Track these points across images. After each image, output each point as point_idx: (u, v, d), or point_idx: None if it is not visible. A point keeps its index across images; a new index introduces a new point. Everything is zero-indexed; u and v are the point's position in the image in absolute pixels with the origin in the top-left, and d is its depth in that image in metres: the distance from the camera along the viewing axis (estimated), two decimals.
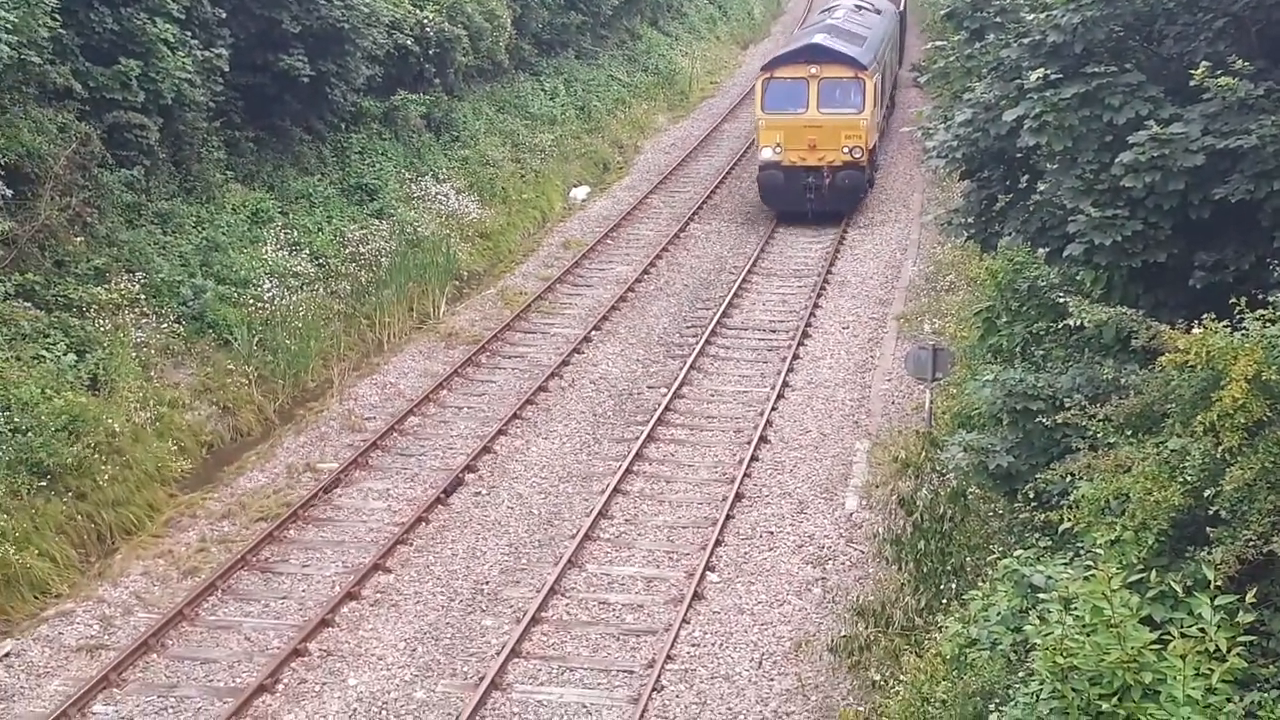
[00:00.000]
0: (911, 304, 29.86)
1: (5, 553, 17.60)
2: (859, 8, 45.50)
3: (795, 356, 26.98)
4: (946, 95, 19.80)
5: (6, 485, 18.53)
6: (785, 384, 25.62)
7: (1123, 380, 12.20)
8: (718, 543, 19.50)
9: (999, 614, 11.29)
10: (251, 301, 25.97)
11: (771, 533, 19.98)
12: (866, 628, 16.38)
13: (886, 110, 45.33)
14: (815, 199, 36.15)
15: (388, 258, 30.25)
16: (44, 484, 19.08)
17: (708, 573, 18.70)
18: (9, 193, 21.56)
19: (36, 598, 17.91)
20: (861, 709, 14.59)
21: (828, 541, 19.64)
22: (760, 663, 16.66)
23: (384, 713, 15.55)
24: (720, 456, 22.78)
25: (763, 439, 23.17)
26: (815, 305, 30.19)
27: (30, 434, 19.37)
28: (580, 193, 40.27)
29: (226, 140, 28.70)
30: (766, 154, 36.35)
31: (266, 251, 27.69)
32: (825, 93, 35.96)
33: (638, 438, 23.09)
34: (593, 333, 28.66)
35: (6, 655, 16.43)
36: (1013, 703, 10.31)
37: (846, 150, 35.94)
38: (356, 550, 19.34)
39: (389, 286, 29.28)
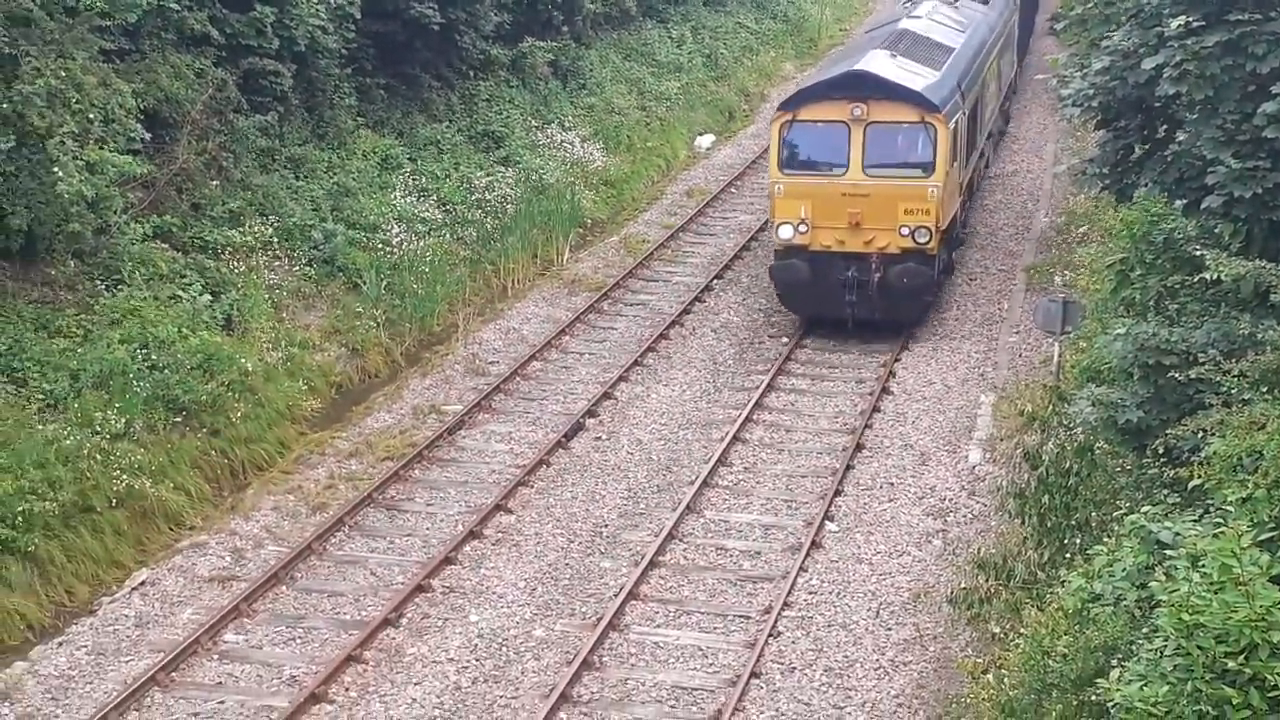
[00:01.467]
0: (1042, 256, 29.33)
1: (142, 485, 18.15)
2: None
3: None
4: (1084, 43, 19.39)
5: (144, 420, 19.10)
6: (910, 336, 25.36)
7: (1260, 336, 11.91)
8: (837, 493, 19.45)
9: (1124, 570, 11.13)
10: (380, 246, 26.33)
11: (892, 484, 19.87)
12: (987, 580, 16.22)
13: (1003, 108, 36.30)
14: (859, 302, 24.54)
15: (513, 205, 30.45)
16: (179, 420, 19.64)
17: (826, 522, 18.67)
18: (148, 136, 22.06)
19: (171, 529, 18.48)
20: (980, 661, 14.48)
21: (949, 494, 19.49)
22: (878, 612, 16.61)
23: (504, 649, 15.80)
24: (841, 406, 22.67)
25: (885, 390, 23.00)
26: None
27: (167, 371, 19.92)
28: (705, 141, 40.10)
29: (357, 87, 29.03)
30: (785, 233, 24.83)
31: (395, 197, 28.02)
32: (875, 144, 24.72)
33: (758, 386, 23.06)
34: (714, 281, 28.60)
35: (142, 584, 16.95)
36: (1136, 659, 10.17)
37: (907, 231, 24.36)
38: (479, 491, 19.60)
39: (514, 233, 29.48)
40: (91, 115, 20.42)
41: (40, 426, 18.09)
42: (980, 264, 29.47)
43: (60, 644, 15.78)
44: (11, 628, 15.98)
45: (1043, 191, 34.46)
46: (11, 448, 17.36)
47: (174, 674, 15.11)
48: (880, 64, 25.91)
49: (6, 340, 18.99)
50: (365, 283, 25.29)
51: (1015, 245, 30.66)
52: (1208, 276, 12.44)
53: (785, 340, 25.31)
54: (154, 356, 20.01)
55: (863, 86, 24.61)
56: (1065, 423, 18.03)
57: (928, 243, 24.35)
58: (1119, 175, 15.95)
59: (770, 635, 16.00)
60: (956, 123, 25.61)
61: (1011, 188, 35.14)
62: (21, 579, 16.36)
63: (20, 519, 16.54)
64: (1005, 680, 13.34)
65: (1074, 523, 15.74)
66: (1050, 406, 19.67)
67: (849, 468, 20.21)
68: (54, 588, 16.69)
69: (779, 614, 16.39)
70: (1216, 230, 14.30)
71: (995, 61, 33.68)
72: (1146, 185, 15.37)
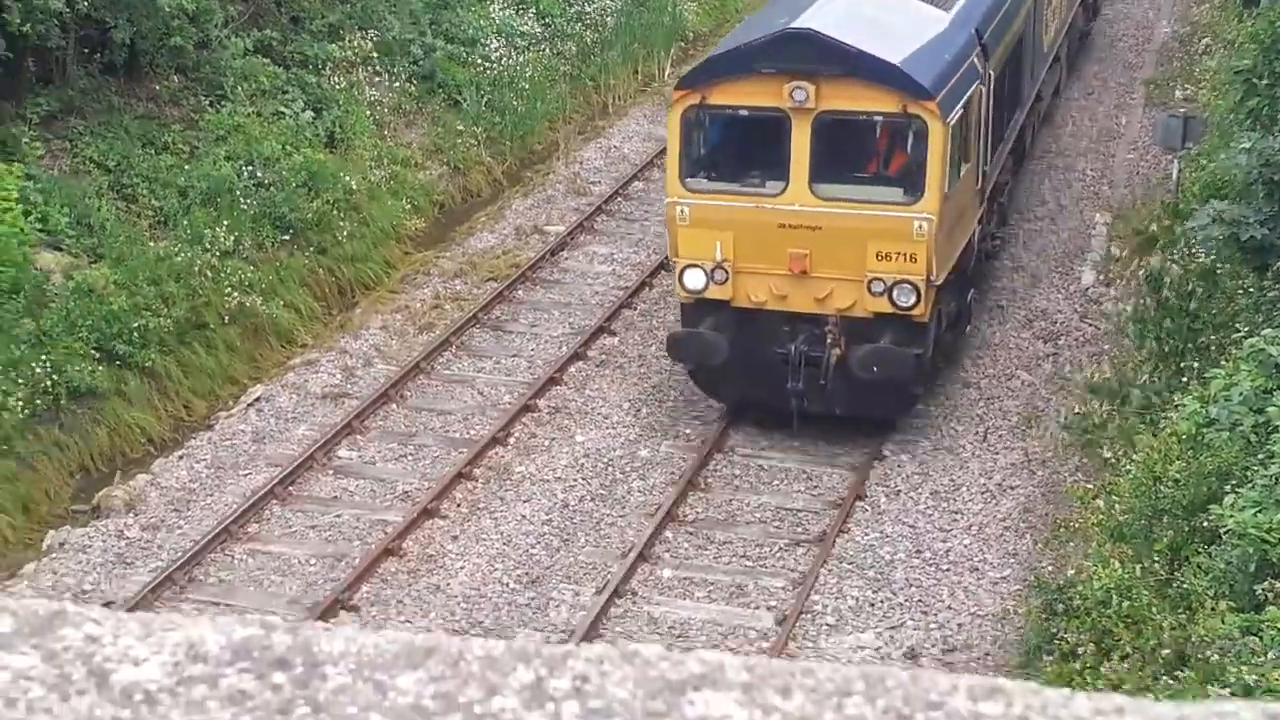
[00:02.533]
0: (1162, 69, 28.66)
1: (253, 302, 18.69)
2: None
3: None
4: None
5: (252, 238, 19.57)
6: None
7: None
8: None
9: (1241, 394, 11.19)
10: (479, 62, 26.33)
11: (1002, 307, 19.86)
12: (1100, 405, 16.35)
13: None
14: (808, 389, 16.13)
15: (613, 18, 30.14)
16: (287, 238, 20.09)
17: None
18: None
19: (283, 346, 19.07)
20: (1090, 486, 14.67)
21: (1061, 317, 19.46)
22: (986, 436, 16.81)
23: (610, 468, 16.27)
24: None
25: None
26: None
27: (273, 189, 20.31)
28: None
29: None
30: (694, 281, 16.58)
31: (493, 10, 27.88)
32: (831, 147, 16.44)
33: None
34: None
35: (257, 400, 17.59)
36: (1250, 484, 10.31)
37: (881, 288, 16.10)
38: (582, 312, 19.94)
39: (614, 48, 29.28)
40: None
41: (151, 243, 18.65)
42: (1098, 77, 28.85)
43: (180, 457, 16.51)
44: (133, 441, 16.71)
45: (1164, 1, 33.47)
46: (125, 264, 17.93)
47: (290, 488, 15.80)
48: (841, 12, 17.17)
49: (115, 156, 19.45)
50: (465, 99, 25.39)
51: (1134, 57, 29.94)
52: None
53: None
54: (259, 173, 20.40)
55: (809, 54, 15.94)
56: (1184, 242, 17.92)
57: (913, 306, 15.96)
58: None
59: (875, 460, 16.29)
60: (972, 104, 17.19)
61: None
62: (140, 393, 17.04)
63: (136, 335, 17.14)
64: (1115, 506, 13.54)
65: (1192, 346, 15.75)
66: (1169, 226, 19.48)
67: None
68: (172, 402, 17.37)
69: (882, 442, 16.64)
70: None
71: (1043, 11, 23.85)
72: None
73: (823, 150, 16.14)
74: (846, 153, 16.79)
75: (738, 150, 17.18)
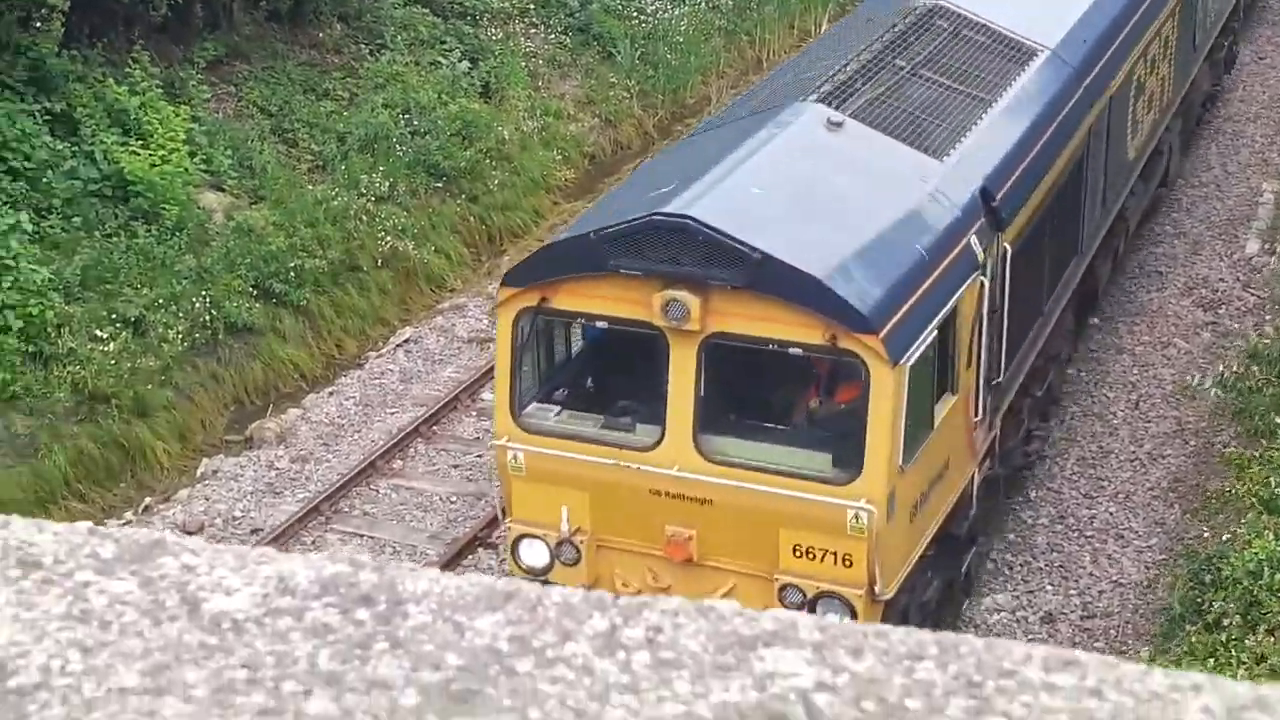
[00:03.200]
0: None
1: (405, 247, 18.99)
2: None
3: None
4: None
5: (406, 184, 19.86)
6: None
7: None
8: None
9: None
10: (635, 14, 26.31)
11: (1160, 273, 19.38)
12: (1260, 373, 15.91)
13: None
14: None
15: None
16: (439, 185, 20.35)
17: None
18: None
19: (432, 290, 19.34)
20: (1244, 454, 14.33)
21: (1223, 285, 18.93)
22: (1137, 404, 16.46)
23: None
24: None
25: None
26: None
27: (428, 137, 20.58)
28: None
29: None
30: (533, 556, 11.85)
31: None
32: (724, 387, 11.39)
33: None
34: None
35: (405, 341, 17.92)
36: None
37: (799, 597, 10.98)
38: None
39: (770, 2, 29.06)
40: None
41: (309, 187, 19.05)
42: (1271, 40, 27.91)
43: (330, 394, 16.90)
44: (286, 376, 17.12)
45: None
46: (284, 206, 18.34)
47: (435, 427, 16.09)
48: (766, 173, 12.00)
49: (278, 101, 19.89)
50: (619, 52, 25.40)
51: None
52: None
53: None
54: (415, 121, 20.68)
55: (690, 252, 10.70)
56: None
57: None
58: None
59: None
60: (962, 314, 11.91)
61: None
62: (295, 331, 17.44)
63: (293, 274, 17.53)
64: (1272, 477, 13.23)
65: None
66: None
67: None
68: (325, 341, 17.73)
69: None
70: None
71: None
72: None
73: (714, 390, 11.11)
74: (748, 395, 11.72)
75: (595, 377, 12.56)
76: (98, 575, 1.13)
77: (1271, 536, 11.98)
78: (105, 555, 1.15)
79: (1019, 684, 0.99)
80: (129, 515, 14.57)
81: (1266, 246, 19.72)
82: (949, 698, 0.98)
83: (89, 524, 1.22)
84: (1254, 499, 13.20)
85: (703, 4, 28.04)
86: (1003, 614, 13.34)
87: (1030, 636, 12.87)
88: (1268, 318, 17.83)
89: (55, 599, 1.10)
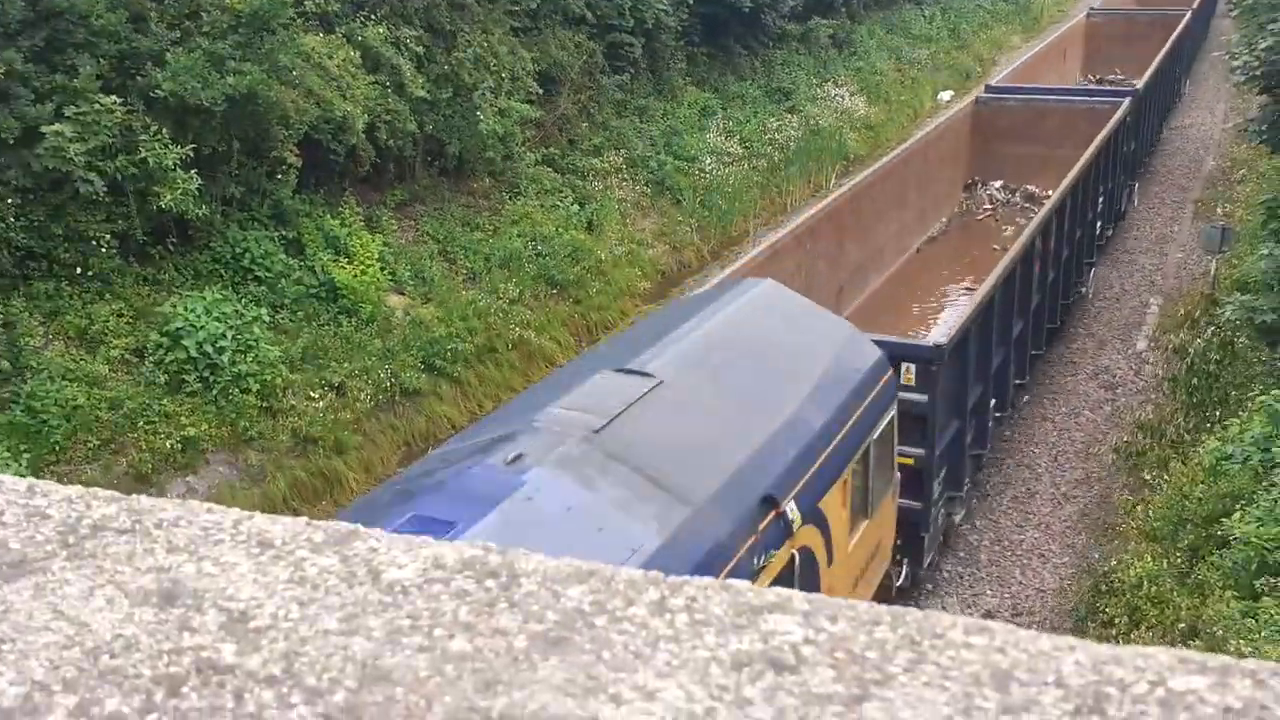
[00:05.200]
0: (1208, 191, 27.16)
1: (528, 335, 19.12)
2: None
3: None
4: (1252, 25, 17.69)
5: (531, 291, 20.03)
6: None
7: None
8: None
9: (1252, 437, 10.60)
10: (697, 172, 26.50)
11: (1074, 362, 19.07)
12: (1144, 439, 15.59)
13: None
14: None
15: (794, 143, 30.01)
16: (554, 292, 20.50)
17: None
18: (540, 91, 22.77)
19: (546, 366, 19.39)
20: (1132, 499, 14.01)
21: (1120, 372, 18.58)
22: (1056, 458, 16.15)
23: None
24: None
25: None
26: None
27: (547, 258, 20.77)
28: (946, 95, 38.37)
29: (687, 55, 29.01)
30: None
31: (709, 137, 28.04)
32: None
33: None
34: None
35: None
36: (1255, 504, 9.74)
37: None
38: None
39: (794, 164, 29.12)
40: (503, 75, 21.23)
41: (463, 292, 19.25)
42: (1158, 196, 27.51)
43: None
44: (442, 427, 17.22)
45: (1212, 141, 31.72)
46: (445, 305, 18.56)
47: None
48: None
49: (444, 232, 20.18)
50: (685, 199, 25.56)
51: (1187, 182, 28.42)
52: None
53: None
54: (539, 247, 20.89)
55: None
56: (1216, 322, 16.99)
57: None
58: (1275, 131, 14.64)
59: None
60: None
61: (1187, 138, 32.47)
62: (449, 394, 17.58)
63: (449, 354, 17.72)
64: (1151, 514, 12.92)
65: (1215, 399, 14.92)
66: (1204, 310, 18.53)
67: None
68: (470, 401, 17.83)
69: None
70: None
71: None
72: None
73: None
74: None
75: None
76: (311, 553, 1.17)
77: (1149, 559, 11.68)
78: (316, 540, 1.19)
79: (946, 642, 1.01)
80: None
81: (1152, 344, 19.35)
82: (897, 651, 1.00)
83: (306, 518, 1.26)
84: (1137, 532, 12.88)
85: (745, 165, 28.19)
86: (954, 612, 13.05)
87: None
88: (1151, 396, 17.46)
89: (282, 568, 1.14)
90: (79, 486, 1.32)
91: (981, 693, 0.94)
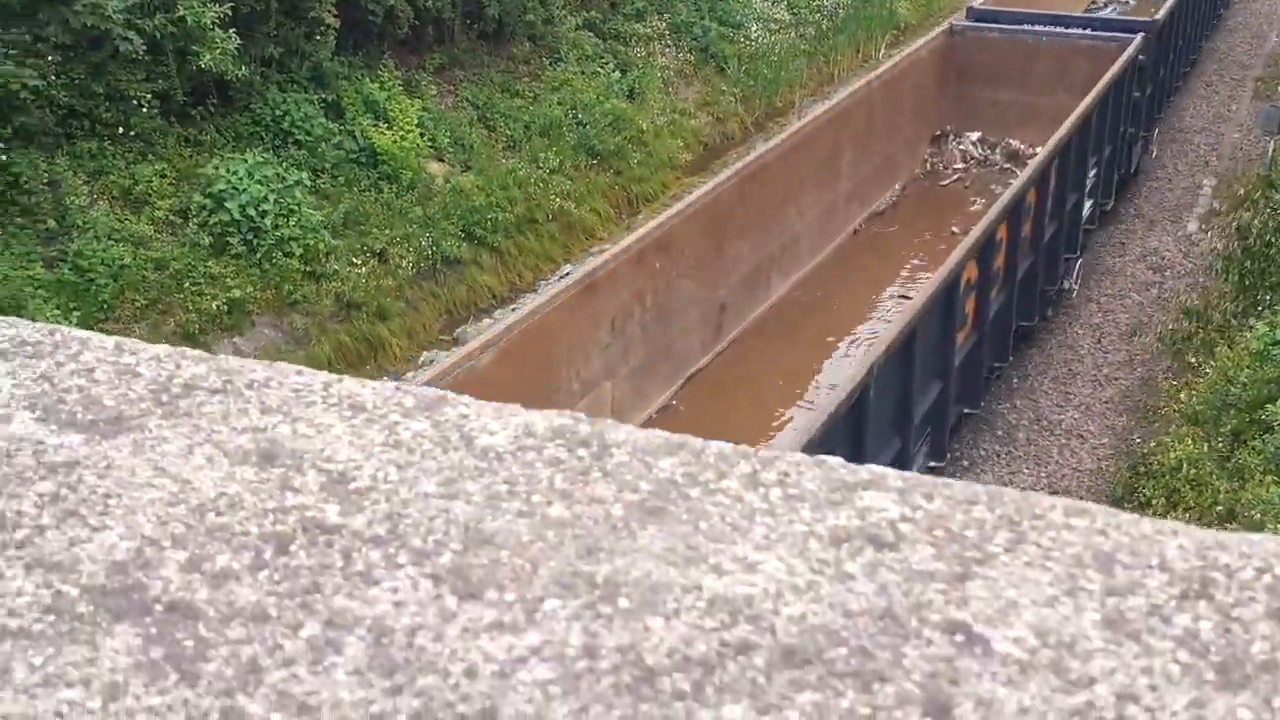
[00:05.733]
0: (1269, 70, 26.18)
1: (568, 206, 18.99)
2: None
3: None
4: None
5: (571, 161, 19.81)
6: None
7: None
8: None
9: None
10: (742, 40, 25.83)
11: (1122, 243, 18.73)
12: (1190, 323, 15.39)
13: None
14: None
15: (844, 10, 29.08)
16: (594, 162, 20.27)
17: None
18: None
19: (585, 238, 19.32)
20: (1177, 382, 13.91)
21: (1169, 254, 18.25)
22: (1099, 340, 16.00)
23: None
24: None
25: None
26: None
27: (587, 127, 20.47)
28: None
29: None
30: None
31: (756, 2, 27.23)
32: None
33: None
34: None
35: (566, 273, 17.93)
36: None
37: None
38: None
39: (842, 33, 28.28)
40: None
41: (503, 160, 19.08)
42: (1217, 74, 26.54)
43: (513, 310, 16.97)
44: (482, 295, 17.30)
45: (1277, 18, 30.39)
46: (485, 174, 18.43)
47: None
48: None
49: (483, 98, 19.91)
50: (729, 68, 24.99)
51: (1248, 60, 27.36)
52: None
53: None
54: (579, 115, 20.58)
55: None
56: (1272, 205, 16.57)
57: None
58: None
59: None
60: None
61: (1251, 12, 31.10)
62: (489, 263, 17.59)
63: (490, 223, 17.66)
64: (1194, 398, 12.85)
65: (1268, 284, 14.66)
66: (1260, 192, 18.07)
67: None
68: (510, 271, 17.85)
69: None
70: None
71: None
72: None
73: None
74: None
75: None
76: (403, 418, 1.16)
77: (1190, 442, 11.66)
78: (407, 405, 1.18)
79: (1046, 523, 1.00)
80: None
81: (1203, 227, 18.95)
82: (996, 531, 0.99)
83: (396, 382, 1.26)
84: (1179, 415, 12.83)
85: (793, 34, 27.42)
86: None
87: None
88: (1200, 279, 17.18)
89: (376, 431, 1.14)
90: (166, 346, 1.32)
91: (1085, 574, 0.94)
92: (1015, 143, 17.55)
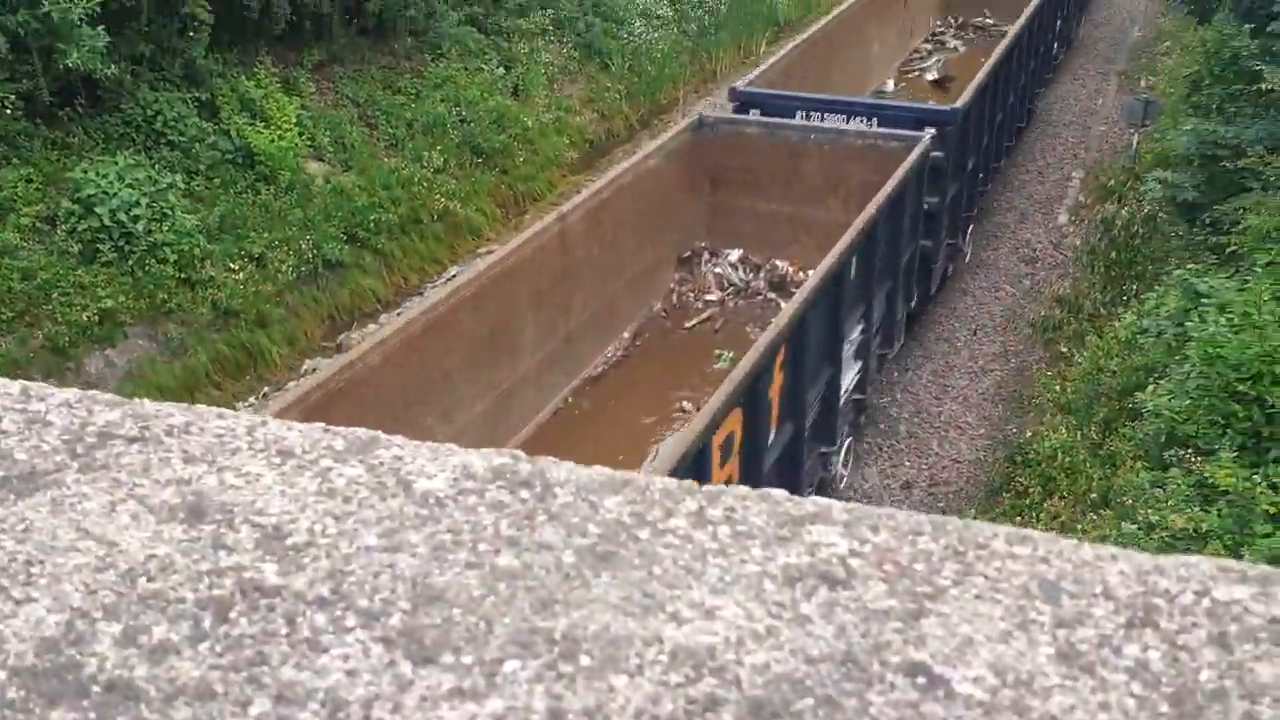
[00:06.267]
0: (1132, 64, 27.35)
1: (454, 206, 18.76)
2: None
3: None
4: None
5: (456, 160, 19.58)
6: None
7: None
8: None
9: (1167, 311, 10.91)
10: (625, 36, 25.87)
11: (996, 235, 19.33)
12: (1062, 314, 15.97)
13: None
14: None
15: (725, 5, 29.36)
16: (480, 161, 20.06)
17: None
18: None
19: (472, 239, 19.13)
20: (1050, 372, 14.42)
21: (1040, 246, 18.90)
22: (975, 332, 16.48)
23: None
24: None
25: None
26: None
27: (472, 125, 20.25)
28: None
29: None
30: None
31: None
32: None
33: None
34: None
35: (453, 275, 17.73)
36: (1168, 378, 10.09)
37: None
38: None
39: (725, 29, 28.57)
40: None
41: (385, 160, 18.75)
42: (1082, 67, 27.61)
43: (398, 314, 16.72)
44: (366, 300, 16.98)
45: (1139, 10, 31.79)
46: (367, 174, 18.08)
47: None
48: None
49: (364, 95, 19.53)
50: (613, 64, 25.00)
51: (1112, 54, 28.56)
52: (1263, 87, 11.63)
53: None
54: (463, 113, 20.35)
55: None
56: (1137, 197, 17.31)
57: None
58: (1202, 1, 14.73)
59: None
60: None
61: (1115, 7, 32.47)
62: (373, 267, 17.26)
63: (372, 224, 17.33)
64: (1067, 387, 13.32)
65: (1133, 274, 15.31)
66: (1126, 184, 18.83)
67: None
68: (395, 274, 17.55)
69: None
70: (1275, 50, 13.27)
71: None
72: (1224, 11, 14.20)
73: None
74: None
75: None
76: (335, 462, 1.11)
77: (1064, 431, 12.09)
78: (338, 447, 1.13)
79: (990, 553, 1.01)
80: (252, 400, 14.54)
81: (1073, 219, 19.68)
82: (943, 563, 1.00)
83: (323, 424, 1.19)
84: (1052, 404, 13.30)
85: (675, 30, 27.58)
86: (873, 482, 13.42)
87: (892, 498, 13.00)
88: (1070, 270, 17.83)
89: (309, 479, 1.09)
90: (75, 390, 1.26)
91: (1034, 605, 0.96)
92: (783, 264, 13.76)
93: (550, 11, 24.30)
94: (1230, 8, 14.03)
